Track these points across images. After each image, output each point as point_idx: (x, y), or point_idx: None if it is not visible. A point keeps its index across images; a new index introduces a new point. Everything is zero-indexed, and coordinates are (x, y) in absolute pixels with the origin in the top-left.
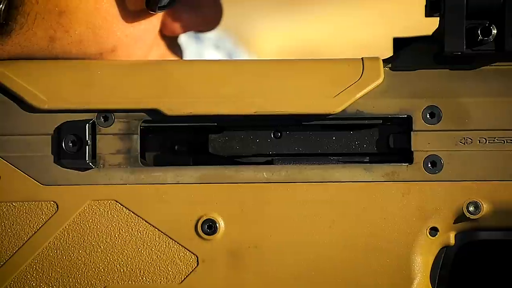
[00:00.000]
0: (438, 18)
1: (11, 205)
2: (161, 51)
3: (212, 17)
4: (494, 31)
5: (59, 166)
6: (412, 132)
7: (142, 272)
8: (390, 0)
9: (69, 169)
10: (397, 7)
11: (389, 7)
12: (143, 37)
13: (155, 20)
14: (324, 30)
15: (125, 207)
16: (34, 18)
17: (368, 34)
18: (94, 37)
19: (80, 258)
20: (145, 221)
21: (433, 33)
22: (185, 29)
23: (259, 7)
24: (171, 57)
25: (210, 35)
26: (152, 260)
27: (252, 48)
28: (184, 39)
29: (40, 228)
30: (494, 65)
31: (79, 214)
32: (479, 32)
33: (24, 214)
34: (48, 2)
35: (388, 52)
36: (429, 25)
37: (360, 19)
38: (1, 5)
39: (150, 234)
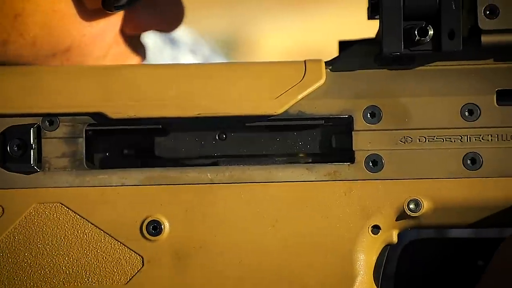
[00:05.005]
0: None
1: None
2: (121, 49)
3: (172, 17)
4: (431, 32)
5: (4, 170)
6: (353, 132)
7: (88, 273)
8: None
9: (14, 173)
10: None
11: None
12: (101, 36)
13: (115, 19)
14: (328, 31)
15: (71, 210)
16: None
17: (370, 35)
18: (48, 39)
19: (26, 260)
20: (91, 223)
21: (376, 35)
22: (146, 28)
23: (264, 8)
24: (132, 55)
25: (187, 40)
26: (98, 262)
27: (256, 49)
28: (160, 43)
29: None
30: (433, 65)
31: (25, 217)
32: (416, 32)
33: None
34: (3, 5)
35: None
36: None
37: (364, 20)
38: None
39: (96, 236)
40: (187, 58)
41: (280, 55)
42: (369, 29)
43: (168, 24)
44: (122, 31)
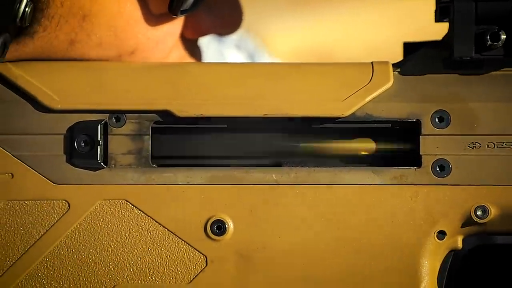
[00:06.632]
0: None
1: (24, 204)
2: (180, 53)
3: (232, 21)
4: (503, 37)
5: (71, 166)
6: (420, 136)
7: (151, 271)
8: (403, 3)
9: (81, 169)
10: (409, 10)
11: (402, 9)
12: (164, 40)
13: (177, 23)
14: (337, 31)
15: (136, 207)
16: (58, 21)
17: (380, 36)
18: (114, 40)
19: (90, 256)
20: (155, 221)
21: (443, 38)
22: (206, 32)
23: (272, 8)
24: (190, 59)
25: (233, 35)
26: (162, 260)
27: (265, 49)
28: (206, 39)
29: (51, 226)
30: (503, 71)
31: (90, 213)
32: (488, 37)
33: (36, 212)
34: (72, 6)
35: (400, 55)
36: (440, 28)
37: (373, 21)
38: (27, 8)
39: (160, 234)
40: (232, 52)
41: (288, 54)
42: (376, 29)
43: (227, 28)
44: (182, 35)
